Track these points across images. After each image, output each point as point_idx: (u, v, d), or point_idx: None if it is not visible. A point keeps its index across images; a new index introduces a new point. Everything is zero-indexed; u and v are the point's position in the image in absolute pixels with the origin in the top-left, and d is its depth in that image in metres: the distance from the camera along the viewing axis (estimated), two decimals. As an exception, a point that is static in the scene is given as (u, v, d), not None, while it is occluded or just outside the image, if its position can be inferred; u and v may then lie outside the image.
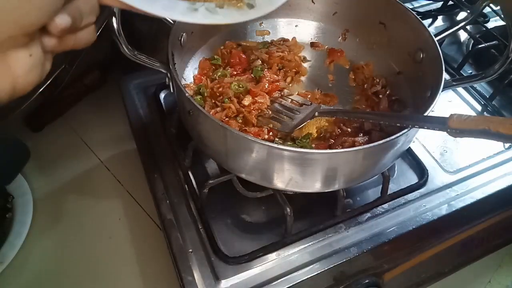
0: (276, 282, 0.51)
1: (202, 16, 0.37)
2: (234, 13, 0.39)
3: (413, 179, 0.64)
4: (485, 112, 0.76)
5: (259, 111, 0.61)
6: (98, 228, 0.66)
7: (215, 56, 0.68)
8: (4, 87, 0.33)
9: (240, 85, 0.63)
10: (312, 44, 0.74)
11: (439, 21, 0.93)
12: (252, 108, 0.61)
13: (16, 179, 0.68)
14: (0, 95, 0.33)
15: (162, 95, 0.73)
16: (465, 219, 0.62)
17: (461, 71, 0.81)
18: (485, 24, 0.88)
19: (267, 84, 0.65)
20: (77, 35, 0.35)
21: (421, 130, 0.49)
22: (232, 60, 0.68)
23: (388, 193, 0.60)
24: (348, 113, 0.62)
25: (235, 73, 0.67)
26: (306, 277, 0.52)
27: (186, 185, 0.61)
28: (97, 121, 0.81)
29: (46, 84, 0.63)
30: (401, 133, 0.46)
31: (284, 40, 0.73)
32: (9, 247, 0.61)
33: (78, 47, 0.36)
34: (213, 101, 0.62)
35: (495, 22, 0.89)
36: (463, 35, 0.91)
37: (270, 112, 0.61)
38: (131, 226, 0.67)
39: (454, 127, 0.43)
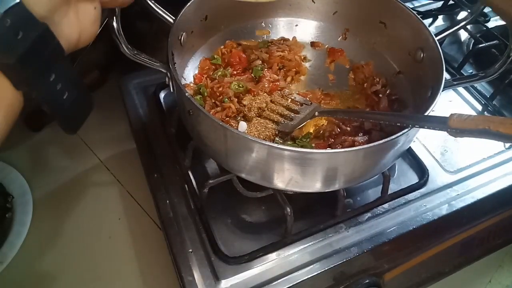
0: (276, 282, 0.51)
1: None
2: None
3: (413, 179, 0.64)
4: (485, 112, 0.76)
5: (259, 110, 0.61)
6: (97, 228, 0.66)
7: (215, 56, 0.68)
8: (72, 37, 0.37)
9: (240, 85, 0.63)
10: (313, 44, 0.74)
11: (440, 21, 0.92)
12: (251, 106, 0.61)
13: (16, 179, 0.69)
14: (68, 44, 0.37)
15: (162, 95, 0.73)
16: (466, 219, 0.62)
17: (461, 71, 0.81)
18: (486, 24, 0.88)
19: (267, 84, 0.65)
20: None
21: (421, 129, 0.49)
22: (232, 60, 0.67)
23: (388, 193, 0.60)
24: (348, 113, 0.61)
25: (235, 72, 0.67)
26: (306, 277, 0.52)
27: (186, 185, 0.61)
28: (97, 121, 0.80)
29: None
30: (401, 132, 0.46)
31: (285, 39, 0.73)
32: (9, 247, 0.61)
33: (122, 4, 0.41)
34: (213, 101, 0.62)
35: (495, 22, 0.89)
36: (463, 35, 0.91)
37: (270, 111, 0.61)
38: (131, 226, 0.67)
39: (455, 126, 0.43)
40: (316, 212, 0.59)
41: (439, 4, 0.94)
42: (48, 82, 0.35)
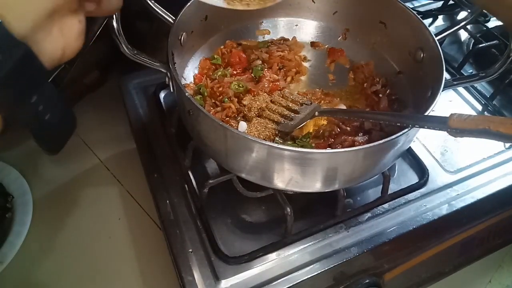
0: (276, 282, 0.51)
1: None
2: None
3: (413, 179, 0.64)
4: (485, 112, 0.76)
5: (259, 110, 0.61)
6: (97, 228, 0.66)
7: (215, 56, 0.68)
8: (56, 53, 0.35)
9: (240, 85, 0.63)
10: (313, 44, 0.74)
11: (440, 21, 0.93)
12: (252, 106, 0.61)
13: (16, 179, 0.69)
14: (51, 61, 0.35)
15: (162, 95, 0.73)
16: (466, 219, 0.62)
17: (461, 71, 0.81)
18: (486, 24, 0.88)
19: (267, 84, 0.65)
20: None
21: (421, 129, 0.49)
22: (232, 60, 0.67)
23: (388, 193, 0.60)
24: (348, 113, 0.61)
25: (235, 72, 0.67)
26: (306, 277, 0.52)
27: (186, 185, 0.61)
28: (97, 121, 0.81)
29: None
30: (401, 132, 0.46)
31: (285, 39, 0.73)
32: (9, 246, 0.61)
33: (110, 12, 0.40)
34: (213, 100, 0.62)
35: (495, 22, 0.89)
36: (463, 35, 0.91)
37: (270, 111, 0.61)
38: (131, 226, 0.66)
39: (455, 126, 0.43)
40: (316, 212, 0.59)
41: (439, 4, 0.94)
42: (29, 105, 0.33)
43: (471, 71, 0.83)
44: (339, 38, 0.73)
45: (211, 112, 0.60)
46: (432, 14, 0.92)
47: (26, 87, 0.33)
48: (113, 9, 0.40)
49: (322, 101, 0.66)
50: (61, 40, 0.35)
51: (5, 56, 0.30)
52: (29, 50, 0.32)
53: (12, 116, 0.33)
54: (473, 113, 0.75)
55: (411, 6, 0.94)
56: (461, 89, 0.79)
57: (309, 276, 0.52)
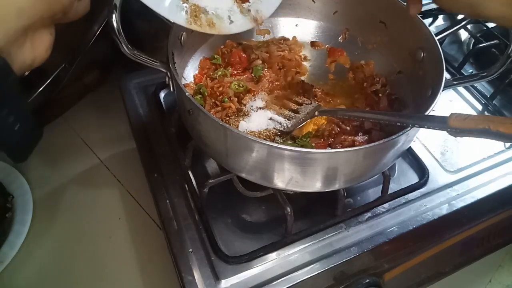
0: (276, 282, 0.51)
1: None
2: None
3: (413, 178, 0.64)
4: (485, 112, 0.76)
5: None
6: (98, 228, 0.66)
7: (215, 56, 0.68)
8: (26, 63, 0.37)
9: (240, 85, 0.63)
10: (313, 43, 0.74)
11: (440, 20, 0.92)
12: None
13: (16, 178, 0.69)
14: (20, 71, 0.37)
15: (162, 95, 0.73)
16: (466, 219, 0.62)
17: (461, 71, 0.81)
18: (486, 23, 0.88)
19: (267, 84, 0.65)
20: (78, 8, 0.41)
21: (421, 129, 0.49)
22: (232, 60, 0.67)
23: (388, 193, 0.60)
24: (348, 113, 0.61)
25: (235, 72, 0.67)
26: (306, 277, 0.52)
27: (186, 185, 0.61)
28: (97, 121, 0.81)
29: (46, 84, 0.62)
30: (401, 132, 0.46)
31: (285, 39, 0.73)
32: (9, 246, 0.61)
33: (76, 17, 0.42)
34: (213, 100, 0.62)
35: (495, 21, 0.89)
36: (463, 34, 0.91)
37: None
38: (131, 226, 0.66)
39: (455, 126, 0.43)
40: (316, 211, 0.59)
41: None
42: (1, 116, 0.34)
43: (471, 70, 0.83)
44: (339, 38, 0.73)
45: (211, 112, 0.60)
46: (432, 13, 0.92)
47: (0, 99, 0.34)
48: (80, 15, 0.42)
49: (322, 101, 0.66)
50: (32, 51, 0.37)
51: None
52: (6, 63, 0.33)
53: None
54: (473, 112, 0.75)
55: (411, 6, 0.93)
56: (461, 88, 0.79)
57: (309, 276, 0.52)
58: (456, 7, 0.45)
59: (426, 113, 0.49)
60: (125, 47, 0.50)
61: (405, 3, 0.62)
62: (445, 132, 0.44)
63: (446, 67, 0.55)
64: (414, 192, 0.61)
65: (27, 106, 0.39)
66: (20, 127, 0.37)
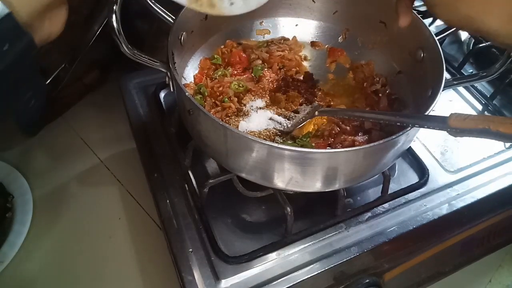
0: (276, 281, 0.51)
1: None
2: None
3: (413, 178, 0.64)
4: (485, 112, 0.76)
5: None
6: (98, 228, 0.66)
7: (215, 56, 0.68)
8: (43, 38, 0.38)
9: (240, 85, 0.63)
10: (313, 43, 0.74)
11: (440, 20, 0.92)
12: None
13: (16, 178, 0.69)
14: (38, 43, 0.37)
15: (162, 95, 0.73)
16: (466, 219, 0.62)
17: (461, 70, 0.81)
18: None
19: (267, 84, 0.65)
20: None
21: (421, 129, 0.49)
22: (232, 59, 0.67)
23: (388, 193, 0.60)
24: (348, 112, 0.61)
25: (236, 72, 0.67)
26: (306, 277, 0.52)
27: (186, 185, 0.61)
28: (97, 121, 0.81)
29: (46, 83, 0.62)
30: (401, 132, 0.46)
31: (285, 39, 0.73)
32: (9, 246, 0.61)
33: None
34: (213, 100, 0.62)
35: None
36: (464, 34, 0.91)
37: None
38: (131, 226, 0.66)
39: (455, 126, 0.43)
40: (316, 211, 0.59)
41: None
42: (20, 91, 0.35)
43: (471, 70, 0.83)
44: (339, 38, 0.73)
45: (211, 112, 0.60)
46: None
47: (24, 76, 0.35)
48: None
49: (322, 101, 0.66)
50: (49, 27, 0.38)
51: (11, 45, 0.32)
52: (32, 38, 0.34)
53: (4, 101, 0.34)
54: (473, 112, 0.75)
55: (411, 6, 0.93)
56: (461, 88, 0.79)
57: (309, 276, 0.52)
58: (456, 19, 0.43)
59: (426, 113, 0.49)
60: (125, 47, 0.50)
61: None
62: (445, 132, 0.44)
63: (446, 67, 0.55)
64: (414, 192, 0.61)
65: (43, 86, 0.39)
66: (34, 103, 0.38)
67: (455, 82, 0.59)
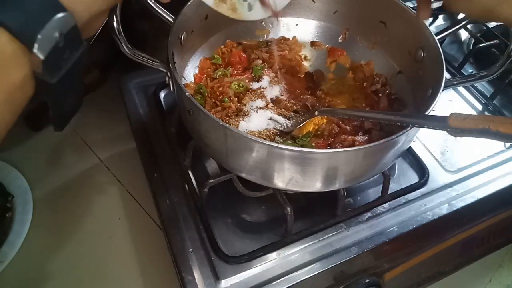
0: (276, 281, 0.51)
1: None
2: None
3: (413, 178, 0.64)
4: (486, 112, 0.76)
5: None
6: (98, 228, 0.66)
7: (215, 55, 0.68)
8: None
9: (240, 85, 0.63)
10: (313, 43, 0.74)
11: (440, 20, 0.92)
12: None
13: (16, 178, 0.69)
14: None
15: (162, 95, 0.73)
16: (466, 219, 0.62)
17: (461, 70, 0.81)
18: (486, 23, 0.88)
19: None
20: None
21: (421, 129, 0.49)
22: (232, 59, 0.67)
23: (388, 193, 0.60)
24: (348, 112, 0.61)
25: (236, 72, 0.67)
26: (306, 277, 0.52)
27: (186, 185, 0.61)
28: (97, 121, 0.81)
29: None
30: (402, 132, 0.46)
31: (285, 39, 0.73)
32: (9, 246, 0.61)
33: None
34: (213, 100, 0.62)
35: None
36: (464, 34, 0.91)
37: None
38: (131, 226, 0.66)
39: (455, 126, 0.43)
40: (316, 211, 0.59)
41: (439, 3, 0.94)
42: (63, 88, 0.35)
43: (471, 70, 0.83)
44: (339, 38, 0.73)
45: (211, 112, 0.60)
46: (432, 13, 0.92)
47: (72, 79, 0.35)
48: None
49: (322, 101, 0.66)
50: (94, 29, 0.39)
51: (70, 53, 0.32)
52: (87, 48, 0.35)
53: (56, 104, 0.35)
54: (473, 112, 0.75)
55: (412, 6, 0.93)
56: (461, 88, 0.79)
57: (309, 276, 0.52)
58: (475, 12, 0.45)
59: (426, 113, 0.49)
60: (125, 47, 0.50)
61: (405, 3, 0.62)
62: (445, 132, 0.44)
63: (446, 67, 0.55)
64: (414, 192, 0.61)
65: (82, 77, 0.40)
66: (69, 97, 0.38)
67: (455, 82, 0.59)
